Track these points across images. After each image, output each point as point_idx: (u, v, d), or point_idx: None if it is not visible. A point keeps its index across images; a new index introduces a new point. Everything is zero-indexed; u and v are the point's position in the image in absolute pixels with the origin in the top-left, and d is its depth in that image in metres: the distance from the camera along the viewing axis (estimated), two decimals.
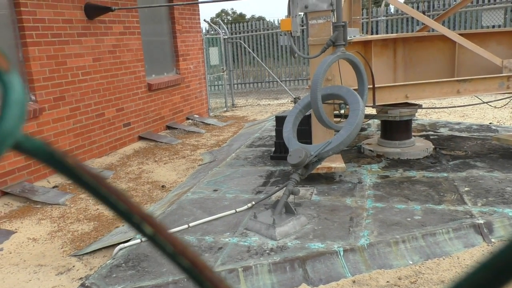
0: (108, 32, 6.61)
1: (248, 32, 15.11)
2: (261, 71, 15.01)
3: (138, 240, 3.24)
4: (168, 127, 8.15)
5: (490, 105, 5.07)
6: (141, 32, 7.45)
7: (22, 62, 5.25)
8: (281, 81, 14.50)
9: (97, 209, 4.47)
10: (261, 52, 15.01)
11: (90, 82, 6.23)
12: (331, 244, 3.03)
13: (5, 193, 4.78)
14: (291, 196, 3.51)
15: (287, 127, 3.81)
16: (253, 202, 3.77)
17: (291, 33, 3.89)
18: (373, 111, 4.94)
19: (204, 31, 12.34)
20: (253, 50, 14.85)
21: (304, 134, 4.74)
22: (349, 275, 2.85)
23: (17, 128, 0.29)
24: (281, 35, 14.27)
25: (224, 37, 11.11)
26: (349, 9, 5.77)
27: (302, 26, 11.41)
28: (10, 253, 3.65)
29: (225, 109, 10.88)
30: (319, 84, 3.55)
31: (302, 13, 4.05)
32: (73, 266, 3.34)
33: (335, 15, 3.92)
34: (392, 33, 13.35)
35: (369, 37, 4.81)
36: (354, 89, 4.04)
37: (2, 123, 0.28)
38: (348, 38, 4.03)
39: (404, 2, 13.17)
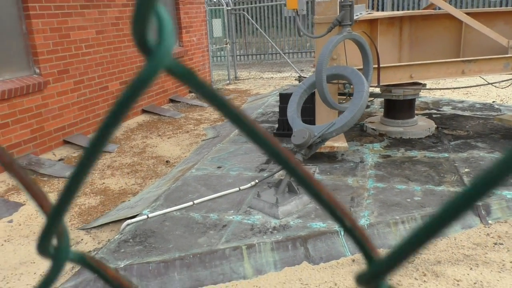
0: (111, 4, 6.54)
1: (251, 3, 14.88)
2: (264, 43, 14.87)
3: (145, 216, 3.33)
4: (171, 100, 8.17)
5: (494, 86, 5.07)
6: None
7: (26, 34, 5.23)
8: (284, 53, 14.39)
9: (103, 183, 4.56)
10: (264, 22, 14.83)
11: (93, 55, 6.21)
12: (332, 224, 3.11)
13: None
14: None
15: (291, 106, 3.84)
16: (257, 180, 3.84)
17: (297, 11, 3.87)
18: (377, 90, 4.95)
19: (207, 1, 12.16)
20: (256, 20, 14.67)
21: (308, 111, 4.78)
22: (349, 254, 2.95)
23: (170, 54, 0.33)
24: (285, 5, 14.07)
25: (228, 8, 10.97)
26: None
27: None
28: (20, 225, 3.75)
29: (228, 82, 10.85)
30: (325, 64, 3.55)
31: None
32: (82, 239, 3.44)
33: None
34: (398, 7, 13.14)
35: (376, 15, 4.77)
36: (359, 69, 4.05)
37: (160, 48, 0.32)
38: (355, 17, 4.00)
39: None
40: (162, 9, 0.33)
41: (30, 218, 3.85)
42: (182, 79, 0.35)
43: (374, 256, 0.37)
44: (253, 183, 3.83)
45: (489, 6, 12.45)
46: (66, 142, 5.69)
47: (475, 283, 2.60)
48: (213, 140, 5.67)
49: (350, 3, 3.65)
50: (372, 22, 4.77)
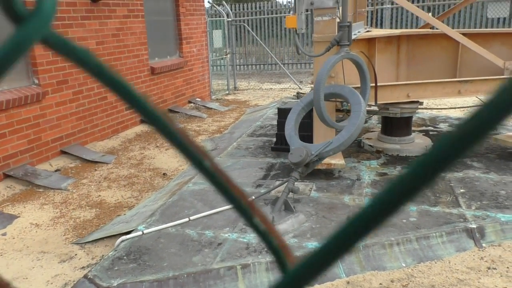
0: (112, 15, 6.58)
1: (252, 15, 14.98)
2: (264, 53, 14.94)
3: (140, 232, 3.33)
4: (170, 111, 8.18)
5: None
6: (145, 15, 7.41)
7: None
8: (284, 63, 14.46)
9: (99, 195, 4.56)
10: (264, 32, 14.91)
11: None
12: None
13: (7, 176, 4.85)
14: (291, 194, 3.59)
15: (289, 124, 3.86)
16: (253, 197, 3.85)
17: (296, 30, 3.90)
18: (374, 107, 4.98)
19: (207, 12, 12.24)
20: (256, 30, 14.75)
21: (306, 127, 4.79)
22: (344, 275, 2.95)
23: (46, 23, 0.30)
24: (285, 17, 14.18)
25: (228, 19, 11.03)
26: (355, 2, 5.74)
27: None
28: (13, 238, 3.74)
29: (227, 92, 10.89)
30: (322, 84, 3.58)
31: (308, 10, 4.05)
32: (76, 255, 3.43)
33: (341, 13, 3.92)
34: (396, 23, 13.24)
35: (374, 34, 4.81)
36: (357, 88, 4.08)
37: (34, 16, 0.30)
38: (353, 36, 4.04)
39: None
40: None
41: (24, 231, 3.84)
42: (59, 50, 0.32)
43: (289, 264, 0.34)
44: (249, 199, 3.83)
45: (487, 23, 12.56)
46: (63, 152, 5.69)
47: None
48: (211, 153, 5.67)
49: (348, 23, 3.69)
50: (370, 41, 4.81)
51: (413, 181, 0.26)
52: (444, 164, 0.26)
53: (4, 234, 3.79)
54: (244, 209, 0.34)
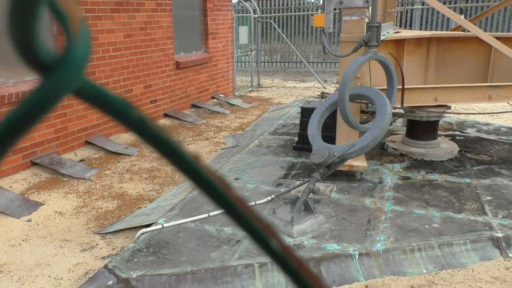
0: (140, 8, 6.64)
1: (279, 12, 14.92)
2: (289, 51, 14.87)
3: (160, 226, 3.35)
4: (193, 106, 8.23)
5: None
6: (172, 9, 7.45)
7: (56, 36, 5.35)
8: (309, 62, 14.37)
9: (121, 187, 4.61)
10: (290, 29, 14.84)
11: (120, 58, 6.31)
12: (347, 247, 3.08)
13: (34, 164, 4.96)
14: (311, 194, 3.56)
15: (312, 124, 3.83)
16: (273, 196, 3.83)
17: (323, 29, 3.86)
18: (400, 110, 4.89)
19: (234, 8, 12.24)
20: (282, 27, 14.69)
21: (329, 127, 4.75)
22: (362, 279, 2.91)
23: (80, 72, 0.26)
24: (312, 15, 14.08)
25: (255, 16, 11.01)
26: (385, 1, 5.65)
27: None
28: (38, 225, 3.82)
29: (251, 89, 10.88)
30: (348, 84, 3.53)
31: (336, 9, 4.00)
32: (97, 244, 3.49)
33: (370, 13, 3.86)
34: (426, 25, 12.98)
35: (403, 35, 4.72)
36: (383, 90, 4.01)
37: (64, 63, 0.24)
38: (381, 37, 3.97)
39: None
40: (68, 4, 0.23)
41: (49, 219, 3.92)
42: (94, 102, 0.27)
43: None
44: (269, 198, 3.82)
45: None
46: (88, 143, 5.78)
47: None
48: (232, 150, 5.68)
49: (377, 24, 3.63)
50: (399, 42, 4.72)
51: None
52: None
53: (29, 221, 3.88)
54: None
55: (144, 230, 3.32)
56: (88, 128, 5.82)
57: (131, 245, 3.17)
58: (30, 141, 4.95)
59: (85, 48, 0.25)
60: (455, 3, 12.31)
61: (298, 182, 4.08)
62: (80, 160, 5.36)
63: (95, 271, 3.00)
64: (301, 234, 3.24)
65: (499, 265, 3.08)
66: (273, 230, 0.27)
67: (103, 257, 3.28)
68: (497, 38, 4.44)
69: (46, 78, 0.25)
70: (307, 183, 3.57)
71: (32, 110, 0.25)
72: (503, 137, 5.81)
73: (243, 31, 10.85)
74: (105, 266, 2.90)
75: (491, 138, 5.78)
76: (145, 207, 4.13)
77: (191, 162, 0.28)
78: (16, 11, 0.22)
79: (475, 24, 4.84)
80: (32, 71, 0.24)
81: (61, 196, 4.39)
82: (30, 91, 0.24)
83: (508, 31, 12.03)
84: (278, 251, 0.28)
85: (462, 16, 5.18)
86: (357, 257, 3.00)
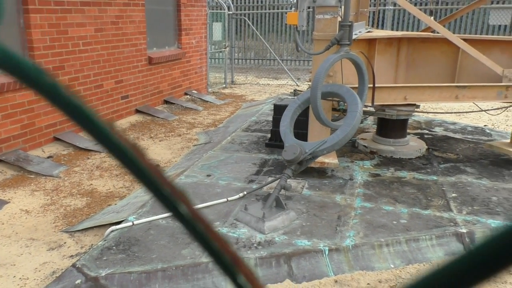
0: (112, 2, 6.52)
1: (253, 9, 14.92)
2: (263, 48, 14.90)
3: (130, 223, 3.31)
4: (166, 102, 8.15)
5: (488, 113, 5.11)
6: (145, 3, 7.35)
7: (23, 29, 5.19)
8: (282, 59, 14.43)
9: (91, 184, 4.53)
10: (264, 27, 14.86)
11: (90, 52, 6.18)
12: (317, 243, 3.11)
13: None
14: (282, 191, 3.58)
15: (285, 121, 3.85)
16: (245, 192, 3.84)
17: (296, 27, 3.88)
18: (371, 108, 4.97)
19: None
20: (257, 25, 14.70)
21: (301, 125, 4.79)
22: (332, 274, 2.95)
23: None
24: (285, 13, 14.13)
25: (229, 12, 10.97)
26: (357, 1, 5.73)
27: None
28: (3, 224, 3.71)
29: (224, 85, 10.85)
30: (320, 82, 3.57)
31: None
32: (65, 243, 3.41)
33: (343, 12, 3.90)
34: (398, 25, 13.23)
35: (374, 34, 4.80)
36: (354, 88, 4.07)
37: None
38: (354, 36, 4.02)
39: None
40: None
41: (14, 217, 3.81)
42: (6, 68, 0.27)
43: None
44: (241, 194, 3.82)
45: (488, 30, 12.58)
46: (56, 139, 5.65)
47: None
48: (205, 146, 5.66)
49: (350, 23, 3.67)
50: (371, 41, 4.80)
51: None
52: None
53: None
54: (227, 264, 0.28)
55: (114, 227, 3.27)
56: (57, 124, 5.68)
57: (100, 243, 3.12)
58: None
59: None
60: (426, 5, 12.58)
61: (270, 179, 4.10)
62: (48, 157, 5.23)
63: (63, 270, 2.94)
64: (273, 230, 3.26)
65: None
66: (183, 195, 0.28)
67: (71, 256, 3.22)
68: (465, 40, 4.57)
69: None
70: (279, 180, 3.59)
71: None
72: (468, 136, 5.99)
73: (217, 27, 10.80)
74: (73, 265, 2.85)
75: (458, 137, 5.95)
76: (115, 204, 4.07)
77: (104, 128, 0.27)
78: None
79: (444, 26, 4.97)
80: None
81: (28, 194, 4.27)
82: None
83: (476, 33, 12.39)
84: (186, 216, 0.28)
85: (432, 17, 5.31)
86: (327, 252, 3.04)
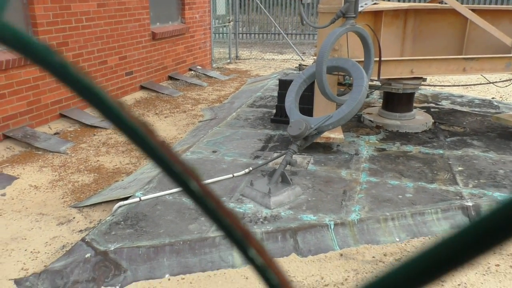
0: None
1: None
2: (267, 22, 14.69)
3: (137, 199, 3.35)
4: (170, 78, 8.11)
5: (496, 85, 5.05)
6: None
7: (26, 5, 5.14)
8: (287, 34, 14.25)
9: (97, 160, 4.57)
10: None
11: (94, 28, 6.13)
12: (322, 217, 3.14)
13: (6, 137, 4.85)
14: (288, 166, 3.59)
15: (290, 96, 3.83)
16: (251, 168, 3.85)
17: (301, 0, 3.81)
18: (377, 82, 4.93)
19: None
20: None
21: (306, 100, 4.76)
22: (337, 248, 2.99)
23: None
24: None
25: None
26: None
27: None
28: (13, 199, 3.77)
29: (229, 61, 10.76)
30: (326, 56, 3.53)
31: None
32: (74, 218, 3.47)
33: None
34: None
35: (381, 6, 4.71)
36: (360, 62, 4.03)
37: None
38: (359, 8, 3.95)
39: None
40: None
41: (23, 193, 3.86)
42: (13, 46, 0.27)
43: None
44: (247, 170, 3.84)
45: (497, 0, 12.30)
46: (62, 116, 5.67)
47: (459, 284, 2.65)
48: (210, 122, 5.66)
49: None
50: (377, 14, 4.71)
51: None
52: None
53: (3, 195, 3.82)
54: (238, 239, 0.29)
55: (121, 203, 3.31)
56: (62, 101, 5.69)
57: (108, 218, 3.17)
58: (2, 114, 4.82)
59: None
60: None
61: (275, 154, 4.11)
62: (55, 133, 5.26)
63: (72, 244, 2.99)
64: (278, 205, 3.28)
65: None
66: (193, 172, 0.28)
67: (80, 231, 3.27)
68: (473, 10, 4.48)
69: None
70: (284, 155, 3.60)
71: None
72: (476, 109, 5.93)
73: (221, 1, 10.64)
74: (83, 239, 2.90)
75: (465, 110, 5.90)
76: (122, 180, 4.11)
77: (114, 107, 0.28)
78: None
79: None
80: None
81: (36, 170, 4.32)
82: None
83: (485, 3, 12.13)
84: (197, 192, 0.28)
85: None
86: (332, 227, 3.07)
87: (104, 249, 2.76)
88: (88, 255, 2.73)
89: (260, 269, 0.29)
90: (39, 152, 4.72)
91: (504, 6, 4.99)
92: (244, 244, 0.29)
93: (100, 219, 3.38)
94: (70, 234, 3.23)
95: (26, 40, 0.27)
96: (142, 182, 3.75)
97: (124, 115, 0.28)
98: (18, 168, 4.32)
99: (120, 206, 3.29)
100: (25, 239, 3.15)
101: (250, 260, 0.29)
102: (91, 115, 5.85)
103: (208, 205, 0.29)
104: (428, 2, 5.53)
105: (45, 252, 2.99)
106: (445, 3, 4.51)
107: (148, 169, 4.19)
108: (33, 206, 3.65)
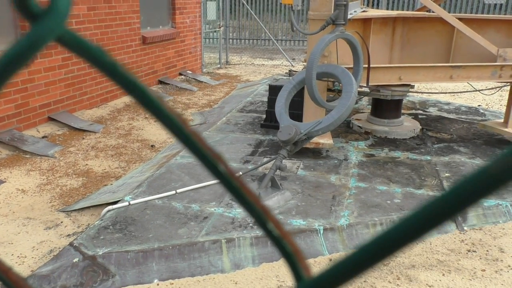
0: None
1: None
2: (258, 27, 14.76)
3: (126, 203, 3.33)
4: (160, 82, 8.10)
5: (482, 93, 5.14)
6: None
7: None
8: (277, 39, 14.32)
9: (86, 164, 4.54)
10: (259, 5, 14.70)
11: (83, 31, 6.10)
12: (312, 222, 3.16)
13: None
14: (278, 171, 3.61)
15: (280, 101, 3.85)
16: (241, 173, 3.86)
17: (292, 6, 3.85)
18: (365, 88, 4.98)
19: None
20: (251, 3, 14.53)
21: (296, 105, 4.79)
22: (327, 253, 3.00)
23: (62, 22, 0.30)
24: None
25: None
26: None
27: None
28: (0, 203, 3.73)
29: (219, 66, 10.78)
30: (315, 63, 3.56)
31: None
32: (61, 222, 3.44)
33: None
34: (393, 5, 13.12)
35: (370, 14, 4.77)
36: (349, 68, 4.07)
37: (49, 14, 0.30)
38: (349, 16, 4.00)
39: None
40: None
41: (10, 197, 3.82)
42: (73, 49, 0.32)
43: (305, 277, 0.33)
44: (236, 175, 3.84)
45: (483, 9, 12.51)
46: (50, 119, 5.62)
47: None
48: (200, 127, 5.66)
49: (344, 3, 3.65)
50: (366, 21, 4.77)
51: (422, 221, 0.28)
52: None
53: None
54: (259, 214, 0.34)
55: (110, 207, 3.30)
56: (51, 104, 5.65)
57: (97, 222, 3.15)
58: None
59: (67, 1, 0.31)
60: None
61: (265, 159, 4.13)
62: (43, 137, 5.22)
63: (60, 249, 2.97)
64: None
65: (454, 238, 3.24)
66: (220, 157, 0.33)
67: (68, 235, 3.25)
68: (460, 19, 4.55)
69: (35, 25, 0.30)
70: (274, 160, 3.61)
71: (23, 51, 0.30)
72: (462, 116, 6.02)
73: (211, 6, 10.67)
74: (71, 244, 2.88)
75: (452, 117, 5.98)
76: (111, 184, 4.09)
77: (155, 101, 0.33)
78: None
79: (439, 5, 4.94)
80: (24, 19, 0.30)
81: (23, 173, 4.28)
82: (22, 34, 0.30)
83: (471, 13, 12.33)
84: (224, 173, 0.33)
85: None
86: (321, 232, 3.09)
87: (92, 254, 2.74)
88: (76, 259, 2.70)
89: (277, 239, 0.34)
90: (27, 156, 4.67)
91: (490, 16, 5.09)
92: (263, 218, 0.34)
93: (89, 224, 3.36)
94: (58, 239, 3.20)
95: (84, 44, 0.32)
96: (131, 186, 3.73)
97: (164, 107, 0.33)
98: (5, 172, 4.27)
99: (109, 210, 3.27)
100: (12, 243, 3.12)
101: (268, 232, 0.34)
102: (80, 119, 5.81)
103: (234, 184, 0.33)
104: (416, 11, 5.62)
105: (32, 257, 2.96)
106: (433, 12, 4.58)
107: (138, 173, 4.17)
108: (20, 210, 3.61)
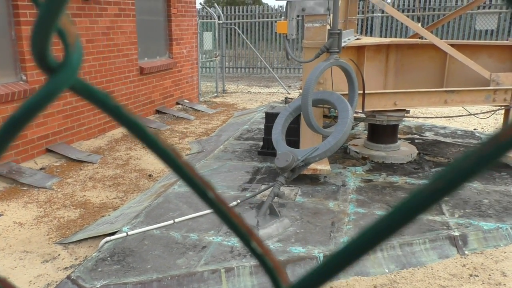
0: (102, 13, 6.54)
1: (243, 18, 15.01)
2: (254, 56, 14.97)
3: (124, 234, 3.31)
4: (158, 112, 8.15)
5: (477, 117, 5.19)
6: (136, 14, 7.38)
7: (15, 41, 5.20)
8: (273, 68, 14.52)
9: (84, 195, 4.52)
10: (254, 35, 14.95)
11: (82, 63, 6.17)
12: (311, 249, 3.13)
13: None
14: (276, 198, 3.60)
15: (277, 128, 3.88)
16: (239, 201, 3.85)
17: (286, 35, 3.93)
18: (361, 114, 5.02)
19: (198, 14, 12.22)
20: (247, 33, 14.79)
21: (293, 132, 4.82)
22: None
23: (75, 74, 0.34)
24: (275, 22, 14.23)
25: (219, 22, 11.04)
26: (346, 9, 5.80)
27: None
28: None
29: (216, 94, 10.88)
30: (311, 90, 3.61)
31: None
32: (59, 255, 3.40)
33: (332, 20, 3.96)
34: (386, 31, 13.39)
35: (363, 42, 4.87)
36: (345, 95, 4.12)
37: (64, 68, 0.34)
38: (343, 44, 4.08)
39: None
40: (67, 25, 0.33)
41: (7, 230, 3.79)
42: (83, 95, 0.36)
43: (283, 284, 0.37)
44: (234, 203, 3.84)
45: (475, 35, 12.76)
46: (48, 151, 5.63)
47: None
48: (197, 155, 5.67)
49: (338, 31, 3.73)
50: (360, 48, 4.86)
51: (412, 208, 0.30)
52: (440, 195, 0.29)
53: None
54: (243, 234, 0.38)
55: (108, 238, 3.27)
56: (49, 135, 5.67)
57: (94, 254, 3.11)
58: None
59: (79, 56, 0.35)
60: (413, 11, 12.75)
61: (263, 187, 4.12)
62: (41, 169, 5.21)
63: (58, 283, 2.92)
64: (267, 238, 3.27)
65: (456, 263, 3.21)
66: (209, 184, 0.37)
67: (66, 268, 3.21)
68: (452, 45, 4.65)
69: (52, 76, 0.34)
70: (272, 187, 3.61)
71: (42, 99, 0.34)
72: (459, 140, 6.06)
73: (208, 37, 10.85)
74: (68, 277, 2.84)
75: (448, 141, 6.02)
76: (109, 215, 4.06)
77: (153, 138, 0.37)
78: (37, 32, 0.32)
79: (431, 32, 5.05)
80: (43, 71, 0.34)
81: (21, 206, 4.25)
82: (40, 86, 0.33)
83: (463, 39, 12.57)
84: (213, 199, 0.37)
85: (419, 24, 5.39)
86: (321, 259, 3.06)
87: (90, 287, 2.70)
88: None
89: (260, 256, 0.37)
90: (24, 188, 4.66)
91: (482, 41, 5.20)
92: (248, 238, 0.38)
93: (86, 256, 3.32)
94: (55, 272, 3.16)
95: (92, 91, 0.36)
96: (129, 216, 3.71)
97: (161, 143, 0.37)
98: (2, 205, 4.25)
99: (106, 242, 3.24)
100: (8, 278, 3.07)
101: (251, 249, 0.38)
102: (77, 150, 5.82)
103: (221, 209, 0.37)
104: (408, 38, 5.73)
105: None
106: (425, 39, 4.67)
107: (136, 203, 4.16)
108: (17, 243, 3.58)
